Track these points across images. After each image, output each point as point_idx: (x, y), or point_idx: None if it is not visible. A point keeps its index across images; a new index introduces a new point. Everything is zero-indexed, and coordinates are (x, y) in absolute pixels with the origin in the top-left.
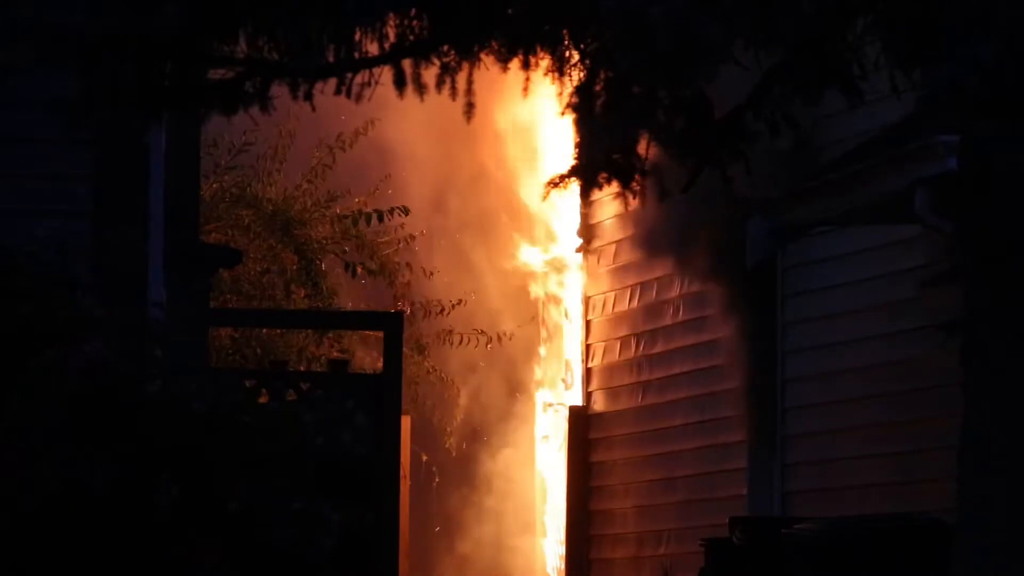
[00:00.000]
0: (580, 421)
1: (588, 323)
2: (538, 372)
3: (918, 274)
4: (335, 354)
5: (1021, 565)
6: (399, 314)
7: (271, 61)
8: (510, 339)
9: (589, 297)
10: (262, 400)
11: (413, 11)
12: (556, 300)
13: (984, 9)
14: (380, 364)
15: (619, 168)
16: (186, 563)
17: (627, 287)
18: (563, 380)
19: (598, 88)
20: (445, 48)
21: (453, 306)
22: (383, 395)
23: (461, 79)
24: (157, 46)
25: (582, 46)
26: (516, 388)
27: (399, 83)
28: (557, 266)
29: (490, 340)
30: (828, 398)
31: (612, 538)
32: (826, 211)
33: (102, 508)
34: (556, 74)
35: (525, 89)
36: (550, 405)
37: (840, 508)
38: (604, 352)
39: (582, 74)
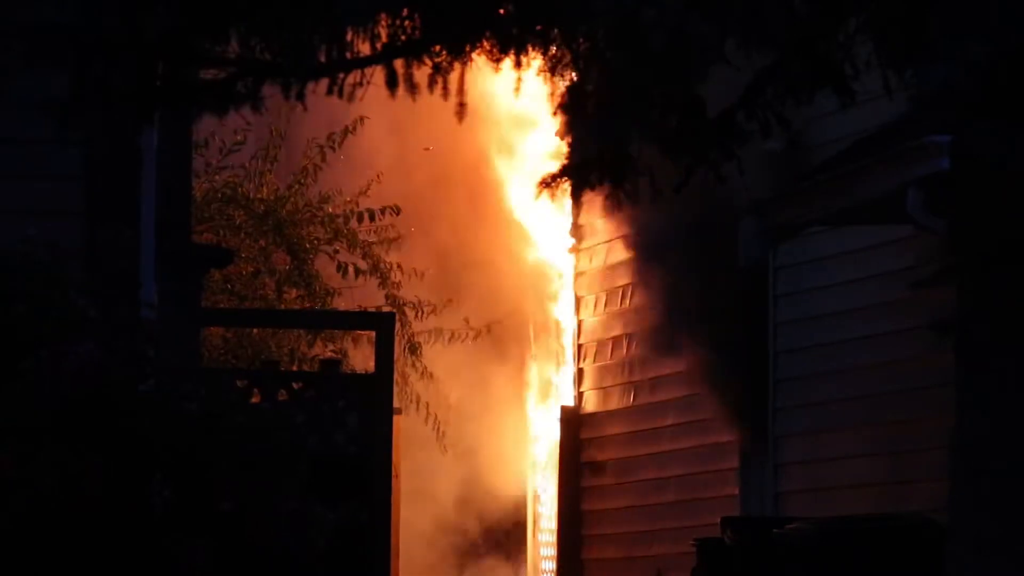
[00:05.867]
0: (572, 421)
1: (579, 323)
2: (530, 372)
3: (910, 274)
4: (327, 354)
5: (1013, 565)
6: (391, 314)
7: (263, 61)
8: (494, 328)
9: (580, 297)
10: (254, 400)
11: (405, 11)
12: (548, 299)
13: (976, 9)
14: (372, 364)
15: (611, 168)
16: (179, 563)
17: (618, 287)
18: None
19: (590, 88)
20: (437, 48)
21: (444, 305)
22: (375, 395)
23: (453, 79)
24: (149, 46)
25: (574, 46)
26: (509, 388)
27: (391, 83)
28: (548, 265)
29: (478, 334)
30: (820, 398)
31: (604, 538)
32: (818, 211)
33: (95, 508)
34: (548, 74)
35: (517, 89)
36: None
37: (832, 508)
38: (595, 352)
39: (574, 74)
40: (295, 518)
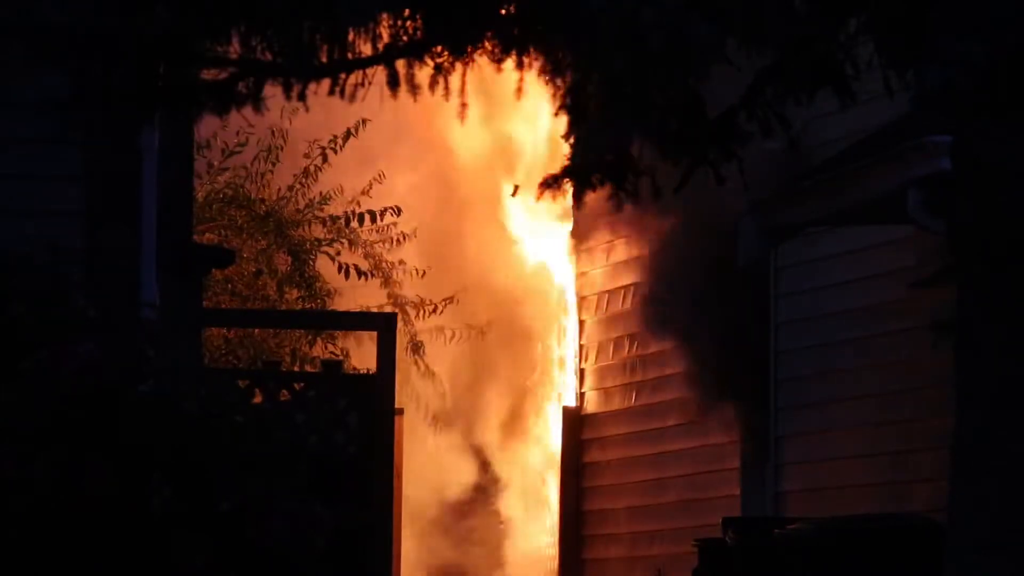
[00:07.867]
0: (573, 422)
1: (581, 323)
2: (532, 373)
3: (910, 274)
4: (328, 355)
5: (1013, 565)
6: (392, 314)
7: (264, 61)
8: (496, 329)
9: (583, 297)
10: (256, 400)
11: (406, 11)
12: (550, 300)
13: (976, 9)
14: (374, 364)
15: (613, 169)
16: (178, 563)
17: (620, 287)
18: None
19: (592, 89)
20: (438, 49)
21: (446, 304)
22: (376, 395)
23: (455, 80)
24: (149, 46)
25: (576, 47)
26: (511, 388)
27: (392, 84)
28: (550, 266)
29: (480, 333)
30: (821, 398)
31: (605, 538)
32: (818, 211)
33: (95, 508)
34: (550, 74)
35: (519, 89)
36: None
37: (833, 508)
38: (597, 352)
39: (576, 75)
40: (295, 518)
